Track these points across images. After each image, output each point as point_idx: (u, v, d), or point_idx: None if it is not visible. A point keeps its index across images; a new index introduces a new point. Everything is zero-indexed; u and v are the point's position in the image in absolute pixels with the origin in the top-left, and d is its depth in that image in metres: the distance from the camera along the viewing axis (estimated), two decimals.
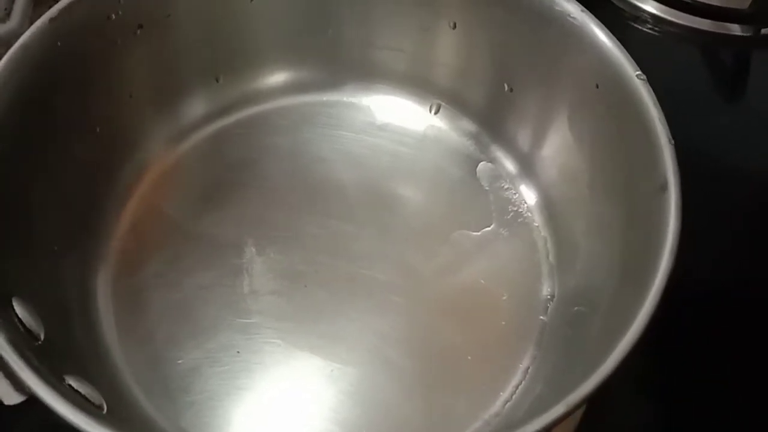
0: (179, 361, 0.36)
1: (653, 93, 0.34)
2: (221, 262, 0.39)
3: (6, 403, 0.27)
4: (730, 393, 0.39)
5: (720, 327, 0.41)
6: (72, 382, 0.30)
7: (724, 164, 0.46)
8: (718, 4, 0.51)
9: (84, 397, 0.30)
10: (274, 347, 0.37)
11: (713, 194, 0.43)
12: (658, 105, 0.33)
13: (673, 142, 0.32)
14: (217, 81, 0.43)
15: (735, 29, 0.51)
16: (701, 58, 0.52)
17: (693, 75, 0.51)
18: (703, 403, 0.39)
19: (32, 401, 0.27)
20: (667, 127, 0.33)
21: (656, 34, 0.52)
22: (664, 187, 0.31)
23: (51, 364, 0.28)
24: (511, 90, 0.41)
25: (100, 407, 0.30)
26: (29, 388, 0.26)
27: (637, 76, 0.34)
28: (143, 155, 0.42)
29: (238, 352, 0.37)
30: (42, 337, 0.31)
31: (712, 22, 0.51)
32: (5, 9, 0.42)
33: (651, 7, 0.52)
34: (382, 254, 0.40)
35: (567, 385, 0.29)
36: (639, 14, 0.52)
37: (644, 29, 0.52)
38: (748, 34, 0.51)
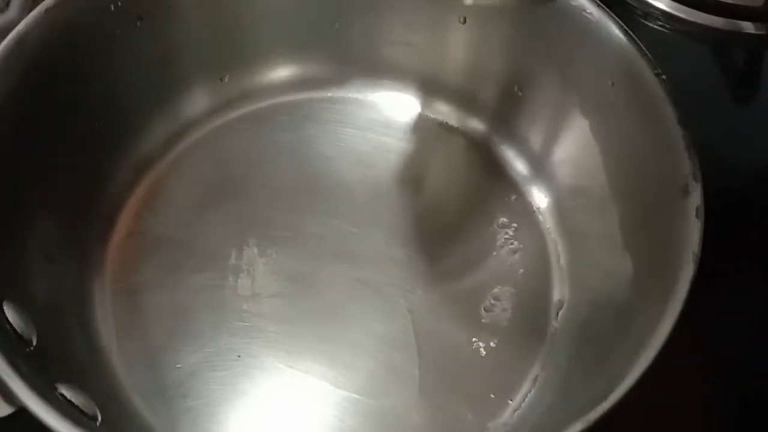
0: (178, 366, 0.36)
1: (672, 92, 0.33)
2: (222, 263, 0.38)
3: None
4: (747, 404, 0.38)
5: (738, 338, 0.40)
6: (65, 390, 0.29)
7: (736, 164, 0.45)
8: (731, 2, 0.50)
9: (77, 407, 0.29)
10: (276, 351, 0.36)
11: (725, 193, 0.42)
12: (678, 105, 0.32)
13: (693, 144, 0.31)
14: (222, 80, 0.42)
15: (748, 27, 0.50)
16: (713, 56, 0.51)
17: (704, 74, 0.50)
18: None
19: (22, 413, 0.26)
20: (687, 129, 0.32)
21: (667, 31, 0.51)
22: (685, 191, 0.31)
23: (43, 372, 0.28)
24: (521, 90, 0.40)
25: (94, 417, 0.30)
26: (19, 400, 0.25)
27: (655, 74, 0.33)
28: (143, 152, 0.41)
29: (238, 356, 0.36)
30: (34, 342, 0.30)
31: (725, 19, 0.50)
32: None
33: (662, 4, 0.51)
34: (388, 256, 0.39)
35: (580, 396, 0.28)
36: (650, 11, 0.51)
37: (655, 26, 0.51)
38: (761, 33, 0.50)
